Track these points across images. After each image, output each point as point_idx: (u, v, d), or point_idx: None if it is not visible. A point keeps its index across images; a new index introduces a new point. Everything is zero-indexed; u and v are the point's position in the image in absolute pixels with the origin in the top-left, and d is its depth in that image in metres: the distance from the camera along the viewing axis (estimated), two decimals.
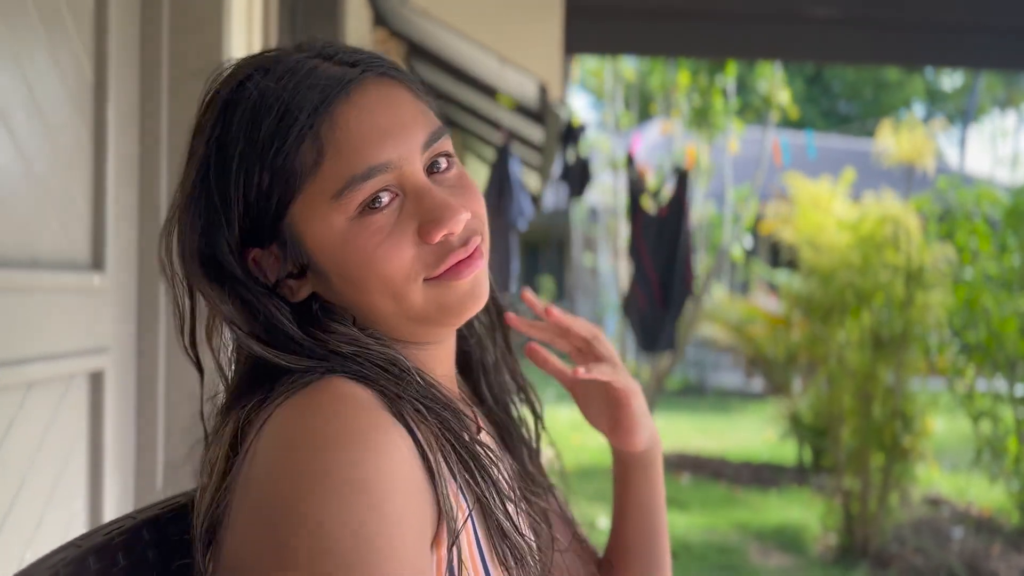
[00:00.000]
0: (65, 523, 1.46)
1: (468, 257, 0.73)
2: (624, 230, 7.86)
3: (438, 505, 0.64)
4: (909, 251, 4.70)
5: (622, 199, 7.88)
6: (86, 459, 1.53)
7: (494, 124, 6.68)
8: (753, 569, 4.57)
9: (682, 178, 5.61)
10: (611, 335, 10.27)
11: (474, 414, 0.78)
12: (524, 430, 0.92)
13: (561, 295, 16.33)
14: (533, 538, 0.78)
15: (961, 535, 5.04)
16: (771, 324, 6.76)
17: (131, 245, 1.66)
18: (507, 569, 0.70)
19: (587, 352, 0.89)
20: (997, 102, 24.27)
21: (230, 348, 0.75)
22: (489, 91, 5.71)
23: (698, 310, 7.70)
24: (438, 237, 0.71)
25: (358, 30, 3.45)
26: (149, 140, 1.69)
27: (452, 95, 6.69)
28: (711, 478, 6.56)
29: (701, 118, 7.63)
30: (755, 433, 8.08)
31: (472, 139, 8.53)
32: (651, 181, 6.59)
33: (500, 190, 5.85)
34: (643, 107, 11.26)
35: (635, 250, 5.75)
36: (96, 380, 1.54)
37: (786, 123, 10.89)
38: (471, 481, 0.69)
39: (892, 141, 12.14)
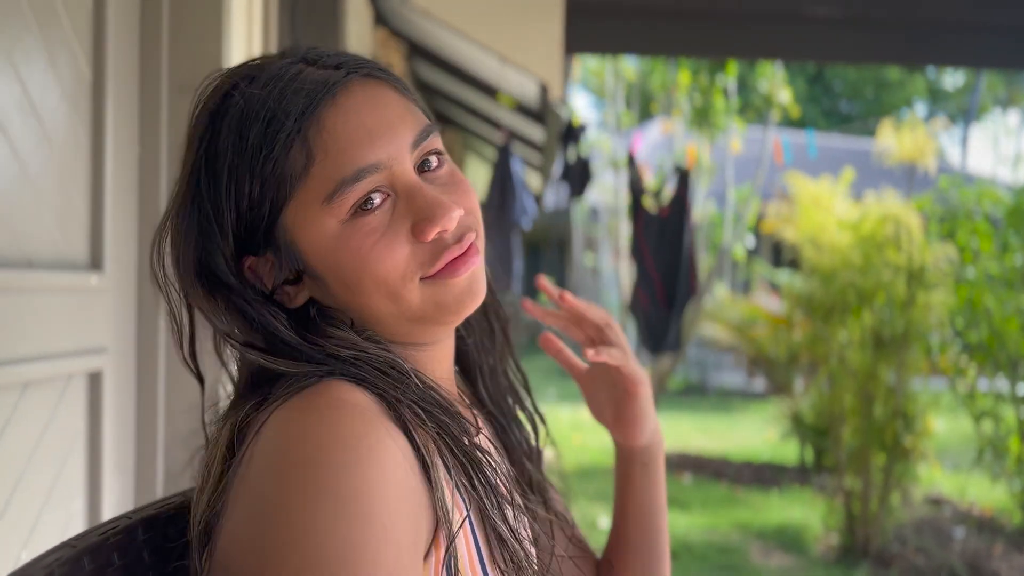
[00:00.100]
0: (63, 523, 1.46)
1: (463, 254, 0.72)
2: (625, 230, 7.86)
3: (435, 510, 0.64)
4: (911, 250, 4.70)
5: (623, 199, 7.88)
6: (84, 459, 1.53)
7: (495, 124, 6.68)
8: (754, 569, 4.56)
9: (683, 177, 5.61)
10: None
11: (474, 416, 0.77)
12: (524, 433, 0.92)
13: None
14: (532, 543, 0.78)
15: (963, 535, 5.04)
16: (773, 324, 6.76)
17: (131, 245, 1.66)
18: (506, 574, 0.70)
19: (599, 341, 0.90)
20: (999, 101, 24.26)
21: (237, 357, 0.75)
22: (490, 91, 5.71)
23: (700, 310, 7.70)
24: (432, 235, 0.70)
25: (358, 30, 3.45)
26: (149, 139, 1.69)
27: (453, 95, 6.69)
28: (712, 478, 6.55)
29: (702, 118, 7.63)
30: (756, 433, 8.08)
31: (473, 139, 8.53)
32: (650, 181, 6.59)
33: (502, 189, 5.85)
34: (644, 107, 11.27)
35: (637, 250, 5.74)
36: (95, 380, 1.54)
37: (787, 122, 10.90)
38: (469, 485, 0.69)
39: (893, 140, 12.12)
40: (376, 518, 0.59)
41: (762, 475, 6.63)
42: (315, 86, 0.69)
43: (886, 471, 4.69)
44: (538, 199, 7.90)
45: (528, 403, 0.93)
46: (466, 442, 0.70)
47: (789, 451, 6.94)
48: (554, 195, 9.90)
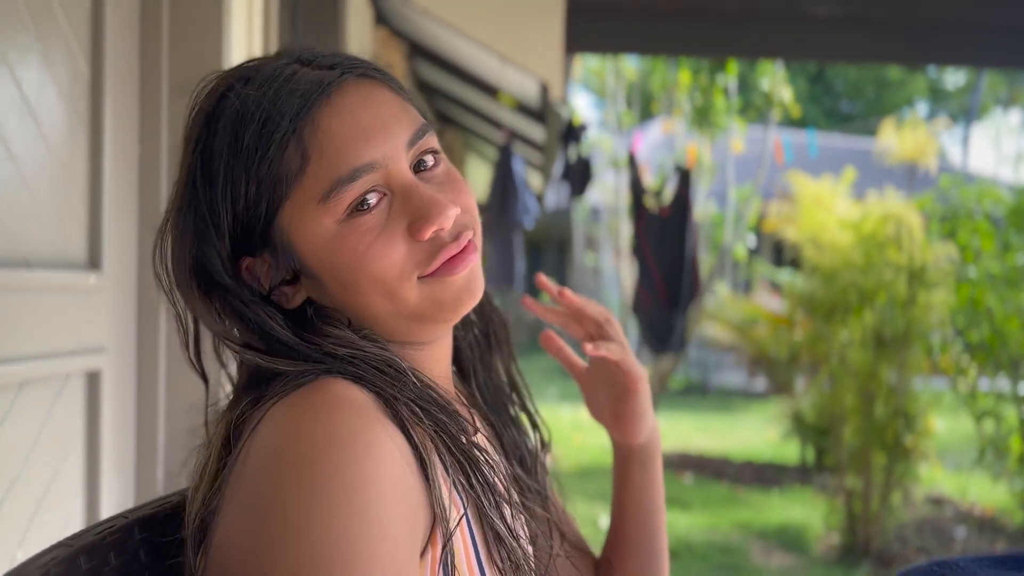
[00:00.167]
0: (62, 523, 1.46)
1: (461, 252, 0.73)
2: (626, 230, 7.86)
3: (432, 507, 0.64)
4: (911, 250, 4.69)
5: (624, 198, 7.88)
6: (83, 459, 1.53)
7: (495, 123, 6.68)
8: (755, 569, 4.56)
9: (684, 177, 5.60)
10: None
11: (471, 416, 0.77)
12: (521, 433, 0.92)
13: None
14: (530, 542, 0.77)
15: (964, 535, 5.03)
16: (774, 323, 6.76)
17: (131, 245, 1.66)
18: (504, 573, 0.70)
19: (598, 336, 0.90)
20: (1000, 101, 24.24)
21: (235, 357, 0.75)
22: (490, 90, 5.72)
23: (701, 310, 7.69)
24: (428, 234, 0.70)
25: (359, 30, 3.45)
26: (149, 139, 1.68)
27: (453, 94, 6.69)
28: (713, 478, 6.55)
29: (703, 117, 7.62)
30: (757, 433, 8.07)
31: (474, 138, 8.54)
32: (650, 180, 6.58)
33: (504, 189, 5.85)
34: (645, 106, 11.26)
35: (639, 250, 5.74)
36: (93, 380, 1.54)
37: (788, 122, 10.89)
38: (466, 483, 0.69)
39: (895, 140, 12.13)
40: (372, 514, 0.59)
41: (763, 475, 6.63)
42: (310, 86, 0.69)
43: (887, 471, 4.68)
44: (539, 199, 7.90)
45: (527, 403, 0.93)
46: (463, 440, 0.69)
47: (790, 451, 6.94)
48: (555, 195, 9.90)
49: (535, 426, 0.92)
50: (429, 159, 0.74)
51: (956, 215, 5.02)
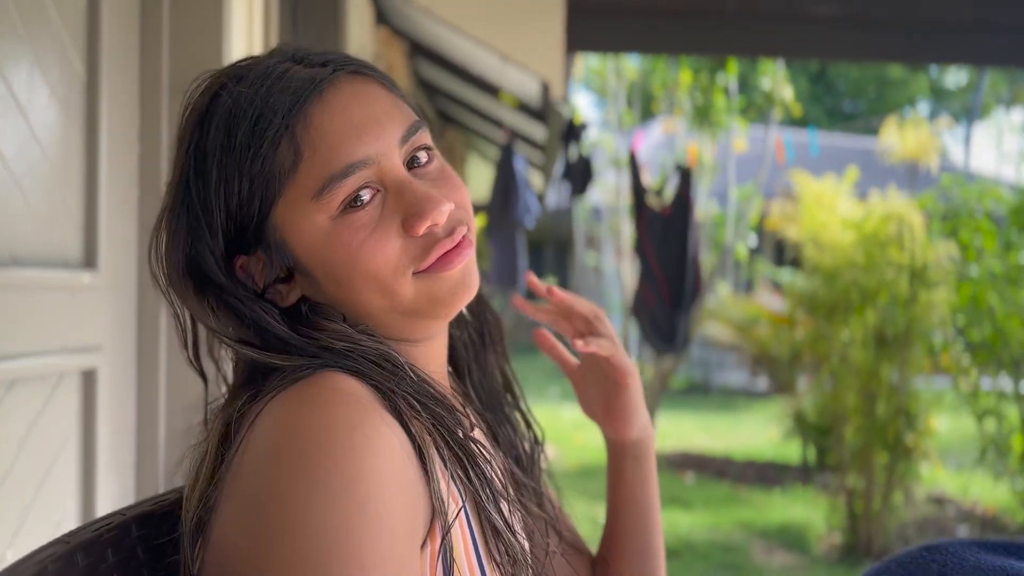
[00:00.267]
0: (56, 522, 1.45)
1: (456, 247, 0.73)
2: (627, 229, 7.85)
3: (431, 500, 0.64)
4: (913, 249, 4.69)
5: (625, 198, 7.87)
6: (78, 457, 1.52)
7: (496, 123, 6.69)
8: (757, 568, 4.56)
9: (685, 176, 5.59)
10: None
11: (467, 412, 0.77)
12: (517, 430, 0.92)
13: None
14: (526, 538, 0.77)
15: (966, 534, 5.03)
16: (775, 323, 6.75)
17: (130, 244, 1.66)
18: (502, 567, 0.70)
19: (588, 333, 0.90)
20: (1002, 100, 24.21)
21: (232, 356, 0.75)
22: (491, 89, 5.72)
23: (702, 309, 7.68)
24: (422, 229, 0.71)
25: (360, 29, 3.45)
26: (150, 138, 1.68)
27: (454, 94, 6.70)
28: (715, 477, 6.55)
29: (703, 117, 7.62)
30: (759, 432, 8.07)
31: (475, 138, 8.54)
32: (650, 180, 6.57)
33: (505, 189, 5.86)
34: (645, 106, 11.25)
35: (641, 249, 5.73)
36: (88, 378, 1.53)
37: (789, 121, 10.87)
38: (464, 477, 0.69)
39: (896, 139, 12.12)
40: (371, 507, 0.59)
41: (765, 474, 6.62)
42: (302, 83, 0.70)
43: (889, 470, 4.68)
44: (540, 198, 7.90)
45: (520, 402, 0.93)
46: (461, 434, 0.70)
47: (792, 450, 6.94)
48: (556, 194, 9.90)
49: (528, 425, 0.92)
50: (422, 155, 0.74)
51: (957, 214, 5.02)
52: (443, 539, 0.64)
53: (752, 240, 8.89)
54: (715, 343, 9.56)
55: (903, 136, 12.07)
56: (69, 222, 1.48)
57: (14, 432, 1.33)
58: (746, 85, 8.96)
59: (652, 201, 5.73)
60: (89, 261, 1.53)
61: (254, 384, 0.69)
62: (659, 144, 11.90)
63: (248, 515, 0.60)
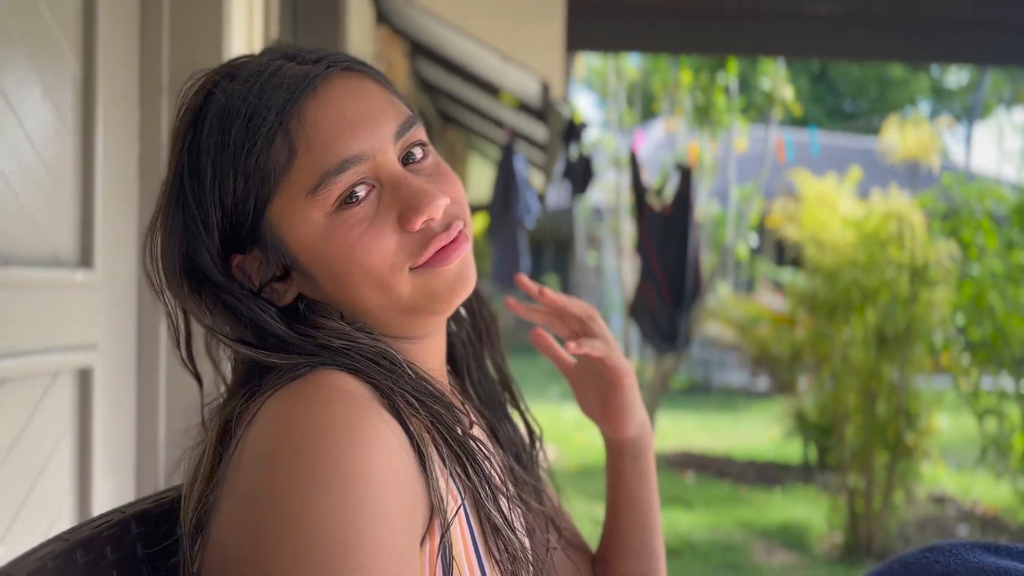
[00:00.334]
0: (50, 522, 1.44)
1: (452, 242, 0.72)
2: (627, 229, 7.85)
3: (430, 498, 0.64)
4: (914, 248, 4.69)
5: (625, 197, 7.87)
6: (73, 457, 1.52)
7: (497, 122, 6.69)
8: (757, 567, 4.56)
9: (686, 176, 5.59)
10: (615, 333, 10.24)
11: (466, 409, 0.77)
12: (515, 429, 0.92)
13: (565, 294, 16.30)
14: (526, 535, 0.77)
15: (966, 533, 5.02)
16: (776, 322, 6.75)
17: (129, 243, 1.65)
18: (501, 564, 0.70)
19: (581, 334, 0.90)
20: (1003, 99, 24.18)
21: (230, 355, 0.75)
22: (492, 89, 5.72)
23: (703, 309, 7.68)
24: (418, 224, 0.70)
25: (360, 28, 3.45)
26: (149, 136, 1.68)
27: (455, 93, 6.70)
28: (716, 476, 6.55)
29: (704, 116, 7.61)
30: (760, 431, 8.07)
31: (475, 137, 8.54)
32: (649, 179, 6.57)
33: (506, 188, 5.86)
34: (646, 105, 11.24)
35: (641, 249, 5.73)
36: (84, 377, 1.53)
37: (790, 121, 10.87)
38: (463, 475, 0.69)
39: (897, 138, 12.10)
40: (370, 504, 0.59)
41: (765, 473, 6.62)
42: (295, 80, 0.69)
43: (889, 469, 4.68)
44: (541, 198, 7.90)
45: (517, 399, 0.93)
46: (459, 432, 0.69)
47: (792, 449, 6.94)
48: (556, 194, 9.90)
49: (526, 422, 0.92)
50: (417, 151, 0.74)
51: (958, 213, 5.02)
52: (442, 537, 0.64)
53: (753, 240, 8.88)
54: (716, 343, 9.56)
55: (904, 136, 12.06)
56: (64, 221, 1.47)
57: (6, 431, 1.33)
58: (747, 85, 8.96)
59: (653, 201, 5.73)
60: (84, 260, 1.53)
61: (252, 383, 0.69)
62: (660, 144, 11.91)
63: (247, 514, 0.60)
